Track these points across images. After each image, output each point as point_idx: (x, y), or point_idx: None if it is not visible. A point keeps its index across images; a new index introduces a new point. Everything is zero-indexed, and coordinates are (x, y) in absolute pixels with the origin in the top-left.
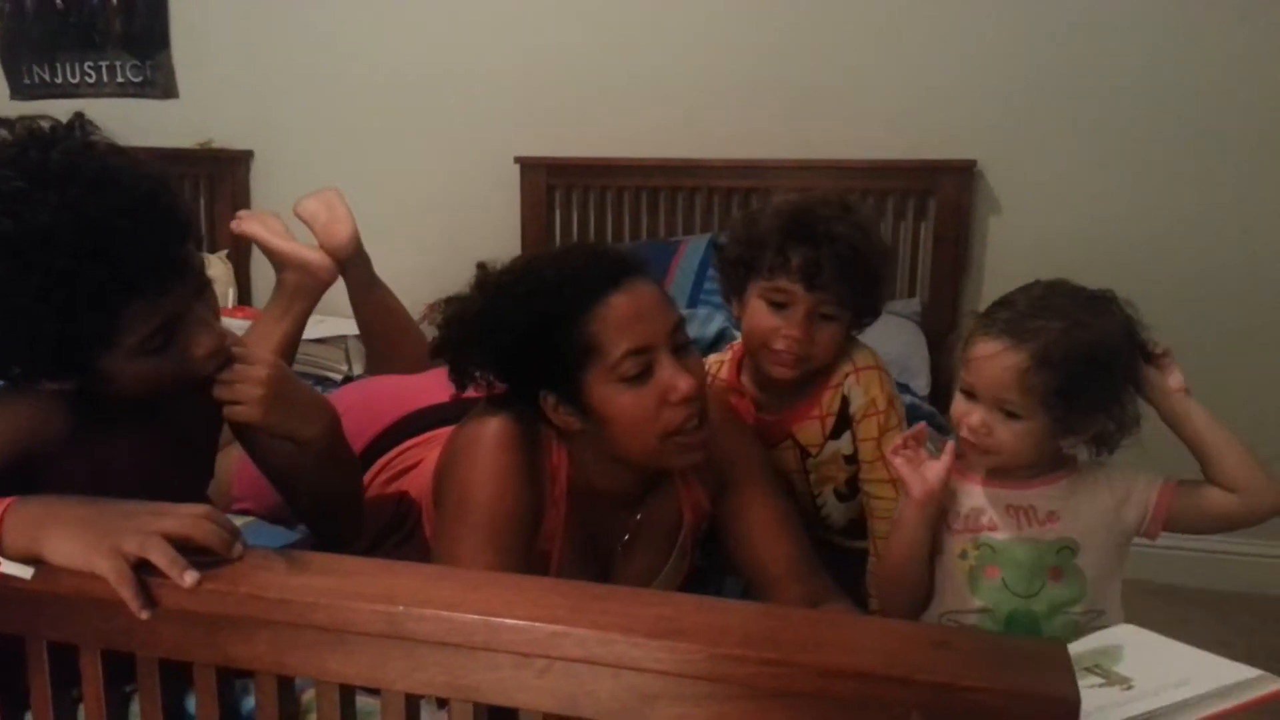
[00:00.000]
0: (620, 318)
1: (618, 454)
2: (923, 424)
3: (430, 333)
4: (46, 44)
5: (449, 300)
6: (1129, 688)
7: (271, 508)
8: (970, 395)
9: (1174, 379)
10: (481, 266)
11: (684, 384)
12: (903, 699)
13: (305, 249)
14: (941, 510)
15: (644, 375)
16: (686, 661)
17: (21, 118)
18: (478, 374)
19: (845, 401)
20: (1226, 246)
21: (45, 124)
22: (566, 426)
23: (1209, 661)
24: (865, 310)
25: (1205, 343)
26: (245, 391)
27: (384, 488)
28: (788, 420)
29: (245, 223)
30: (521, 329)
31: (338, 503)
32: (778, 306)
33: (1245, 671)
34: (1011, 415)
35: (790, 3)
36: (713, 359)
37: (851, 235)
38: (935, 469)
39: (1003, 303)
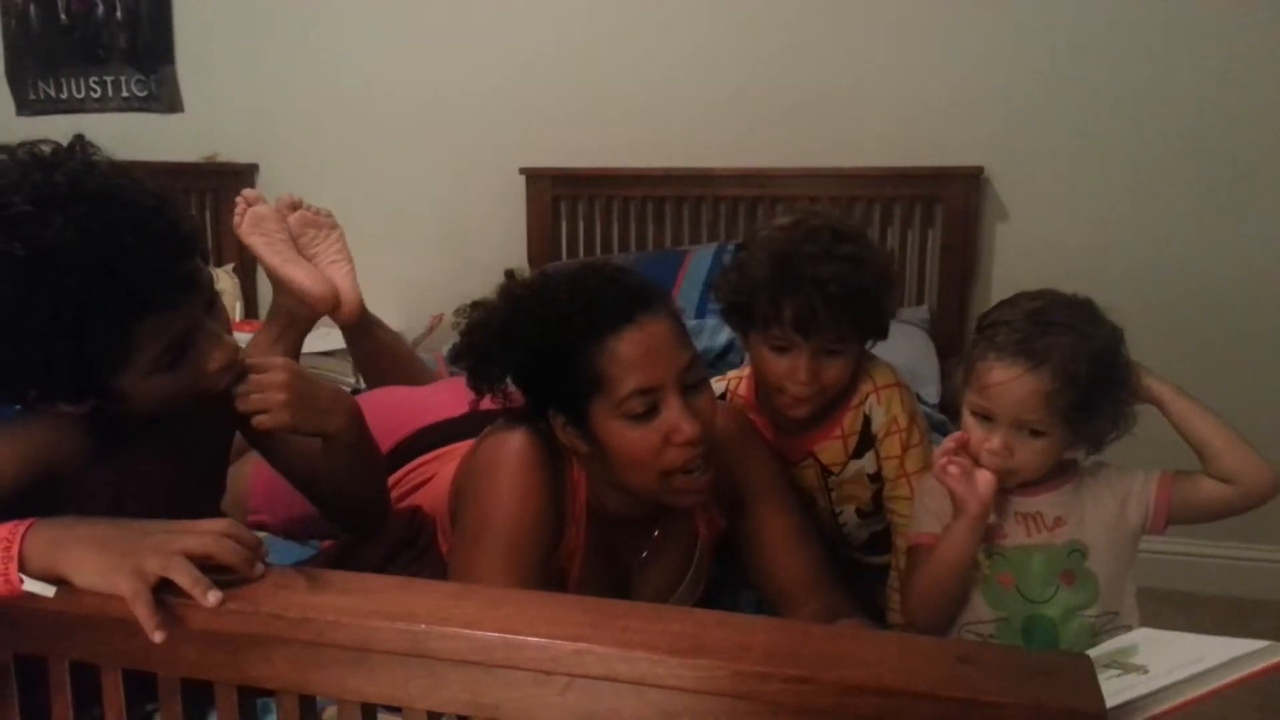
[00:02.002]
0: (630, 355)
1: (619, 483)
2: (962, 433)
3: (439, 344)
4: (51, 59)
5: (474, 305)
6: (1145, 673)
7: (286, 522)
8: (986, 419)
9: (1148, 379)
10: (509, 275)
11: (688, 428)
12: (926, 715)
13: (304, 277)
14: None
15: (650, 414)
16: (709, 678)
17: (22, 143)
18: (495, 384)
19: (867, 421)
20: (1232, 252)
21: (46, 147)
22: (573, 448)
23: (1220, 641)
24: (871, 334)
25: (1211, 347)
26: (269, 399)
27: (397, 504)
28: (809, 440)
29: (250, 232)
30: (533, 350)
31: (365, 496)
32: (781, 350)
33: (1254, 643)
34: (1035, 433)
35: (795, 11)
36: (732, 375)
37: (842, 272)
38: (984, 481)
39: (996, 323)
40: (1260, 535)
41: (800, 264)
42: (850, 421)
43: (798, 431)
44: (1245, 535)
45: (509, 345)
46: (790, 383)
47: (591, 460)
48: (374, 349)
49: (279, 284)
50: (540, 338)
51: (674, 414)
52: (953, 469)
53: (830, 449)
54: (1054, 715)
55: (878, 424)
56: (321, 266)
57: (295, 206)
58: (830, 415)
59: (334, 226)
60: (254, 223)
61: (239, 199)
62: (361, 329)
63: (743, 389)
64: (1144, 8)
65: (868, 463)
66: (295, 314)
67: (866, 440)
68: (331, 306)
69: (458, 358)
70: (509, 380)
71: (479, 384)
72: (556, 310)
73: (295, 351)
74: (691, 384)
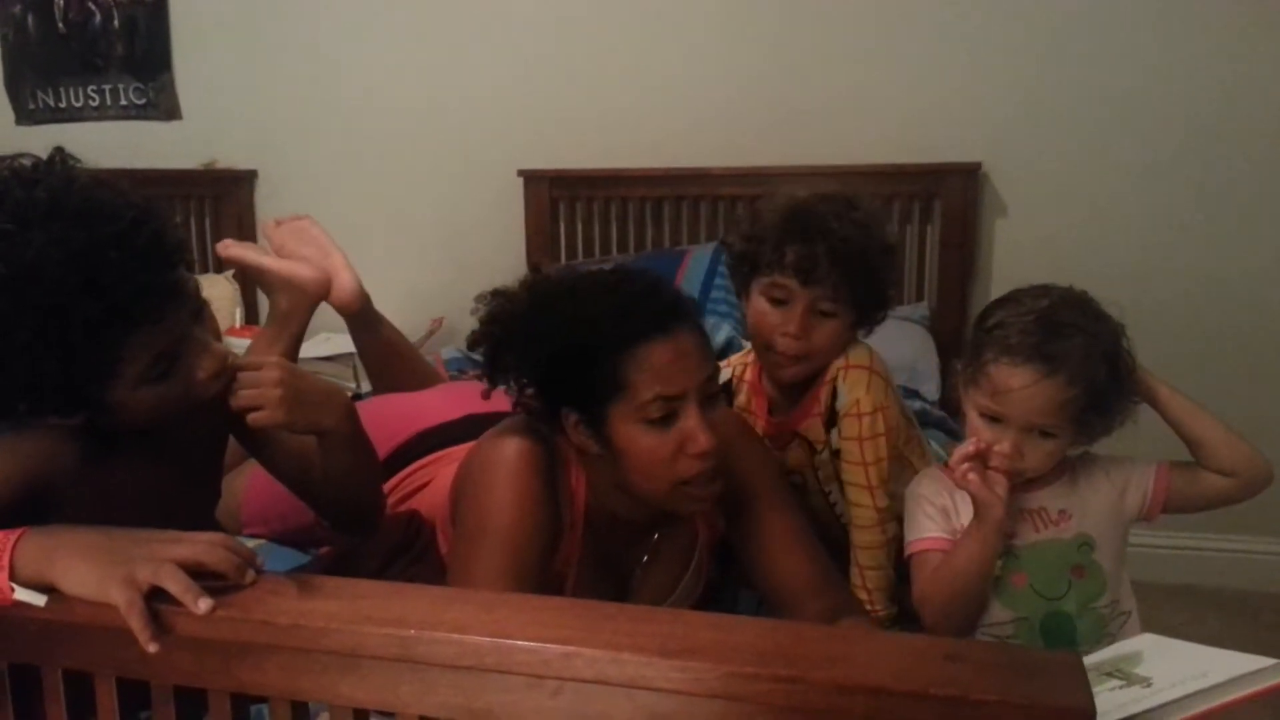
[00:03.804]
0: (656, 364)
1: (627, 487)
2: (978, 440)
3: (438, 346)
4: (49, 69)
5: (495, 293)
6: (1148, 685)
7: (280, 532)
8: (995, 421)
9: (1144, 376)
10: (536, 269)
11: (704, 439)
12: (917, 714)
13: (294, 265)
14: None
15: (667, 420)
16: (699, 680)
17: (1, 157)
18: (510, 374)
19: (835, 396)
20: (1231, 248)
21: (27, 161)
22: (583, 448)
23: (1227, 656)
24: (868, 307)
25: (1210, 343)
26: (263, 395)
27: (394, 508)
28: (795, 420)
29: (232, 248)
30: (557, 348)
31: (361, 495)
32: (778, 303)
33: (1261, 661)
34: (1045, 435)
35: (792, 9)
36: (734, 359)
37: (849, 231)
38: (1000, 483)
39: (1004, 324)
40: (1265, 528)
41: (810, 216)
42: (825, 396)
43: (787, 410)
44: (1250, 528)
45: (533, 339)
46: (780, 336)
47: (599, 462)
48: (381, 346)
49: (272, 280)
50: (569, 337)
51: (691, 424)
52: (973, 475)
53: (813, 426)
54: (1044, 713)
55: (841, 402)
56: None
57: (278, 222)
58: (811, 392)
59: (312, 224)
60: (233, 244)
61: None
62: (367, 324)
63: (749, 374)
64: (1142, 2)
65: (833, 438)
66: (293, 308)
67: (833, 416)
68: (326, 288)
69: (475, 344)
70: (523, 374)
71: (493, 372)
72: (590, 311)
73: (295, 349)
74: (710, 395)
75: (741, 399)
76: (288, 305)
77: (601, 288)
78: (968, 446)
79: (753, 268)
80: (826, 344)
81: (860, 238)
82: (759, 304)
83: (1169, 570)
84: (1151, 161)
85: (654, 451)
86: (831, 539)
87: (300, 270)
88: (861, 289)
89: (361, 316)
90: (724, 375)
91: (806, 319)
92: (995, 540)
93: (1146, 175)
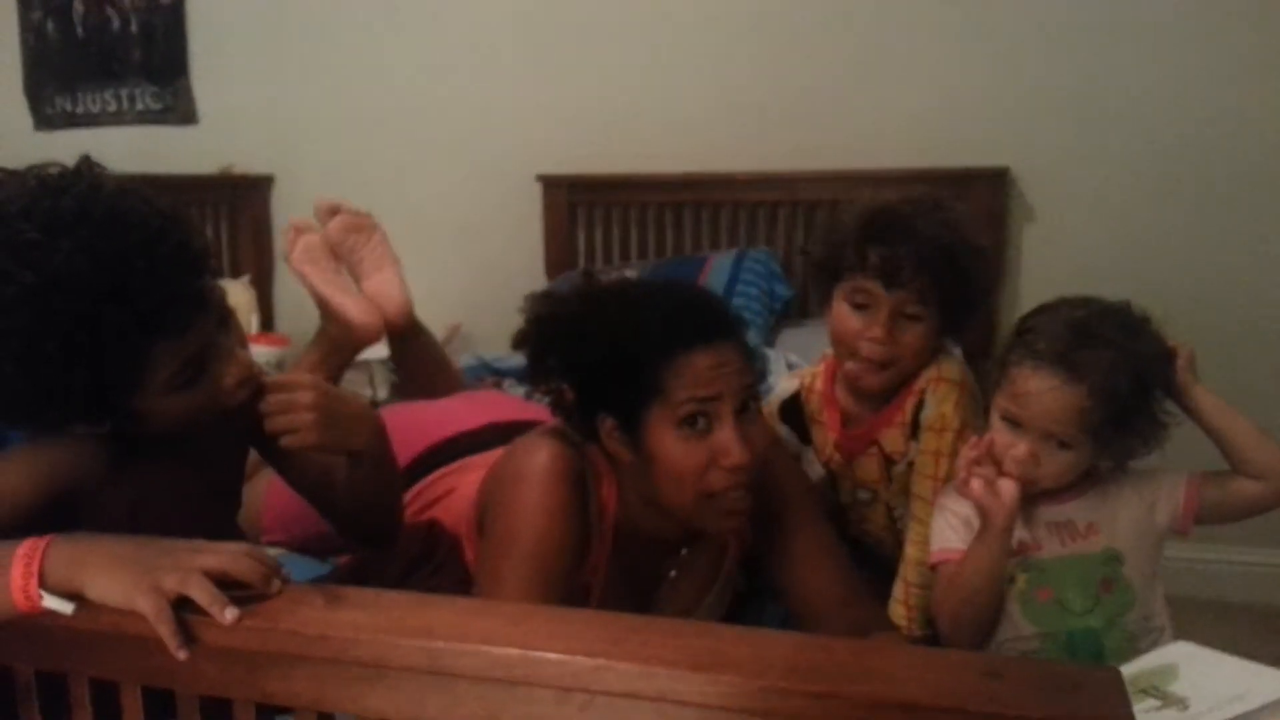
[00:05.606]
0: (696, 372)
1: (657, 500)
2: (980, 440)
3: (457, 352)
4: (68, 74)
5: (545, 294)
6: (1185, 708)
7: (301, 539)
8: (1015, 425)
9: (1183, 375)
10: (587, 274)
11: (738, 453)
12: None
13: (353, 307)
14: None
15: (702, 430)
16: (730, 695)
17: (31, 166)
18: (550, 376)
19: (921, 407)
20: (1262, 250)
21: (54, 170)
22: (617, 455)
23: (1265, 674)
24: (956, 309)
25: (1240, 347)
26: (297, 419)
27: (415, 517)
28: (874, 428)
29: (301, 262)
30: (599, 353)
31: (383, 510)
32: (860, 308)
33: None
34: (1062, 445)
35: (816, 11)
36: (805, 371)
37: (934, 231)
38: (1008, 490)
39: (1034, 330)
40: None
41: (893, 218)
42: (911, 407)
43: (863, 420)
44: None
45: (577, 341)
46: (865, 341)
47: (632, 473)
48: (419, 354)
49: (329, 313)
50: (614, 342)
51: (726, 435)
52: (975, 482)
53: (893, 436)
54: None
55: (927, 414)
56: (368, 274)
57: (334, 210)
58: (895, 400)
59: (374, 228)
60: (304, 252)
61: (290, 228)
62: (410, 334)
63: (819, 384)
64: (1173, 5)
65: (913, 450)
66: (342, 342)
67: (916, 427)
68: (377, 337)
69: (519, 344)
70: (564, 376)
71: (534, 373)
72: (636, 318)
73: (337, 377)
74: (747, 404)
75: (813, 409)
76: (336, 338)
77: (650, 296)
78: (970, 451)
79: (834, 273)
80: (914, 348)
81: (947, 238)
82: (841, 309)
83: (1201, 585)
84: (1182, 166)
85: (686, 460)
86: (885, 557)
87: (355, 315)
88: (949, 291)
89: (408, 330)
90: (792, 386)
91: (892, 323)
92: (1001, 548)
93: (1176, 179)
